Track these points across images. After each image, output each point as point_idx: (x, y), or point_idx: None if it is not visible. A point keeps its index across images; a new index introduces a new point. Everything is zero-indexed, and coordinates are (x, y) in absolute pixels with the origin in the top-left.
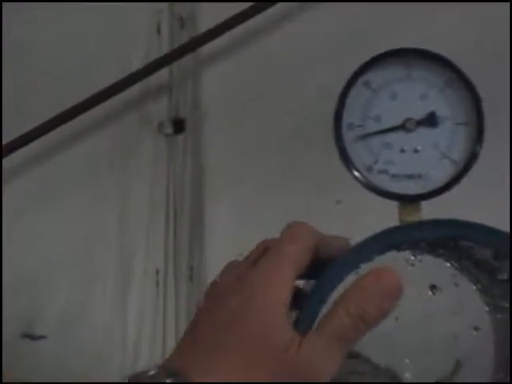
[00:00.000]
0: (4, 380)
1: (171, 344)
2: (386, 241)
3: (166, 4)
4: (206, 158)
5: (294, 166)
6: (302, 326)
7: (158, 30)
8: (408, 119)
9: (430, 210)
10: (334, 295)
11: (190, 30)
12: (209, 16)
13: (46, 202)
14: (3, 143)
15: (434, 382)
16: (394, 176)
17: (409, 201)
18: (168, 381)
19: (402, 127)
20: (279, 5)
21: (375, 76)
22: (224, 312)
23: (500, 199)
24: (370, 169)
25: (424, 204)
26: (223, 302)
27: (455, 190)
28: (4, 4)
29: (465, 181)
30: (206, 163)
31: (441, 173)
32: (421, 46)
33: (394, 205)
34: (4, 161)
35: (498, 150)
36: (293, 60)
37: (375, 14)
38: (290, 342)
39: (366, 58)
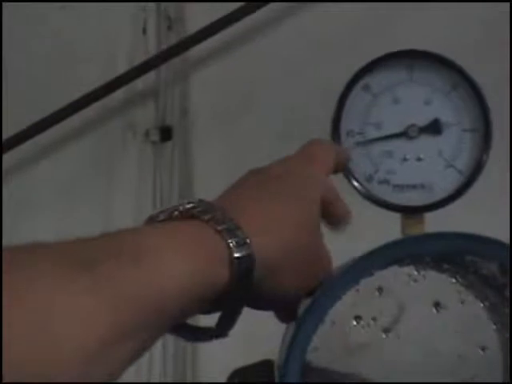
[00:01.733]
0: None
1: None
2: (387, 255)
3: (152, 3)
4: (194, 166)
5: None
6: (297, 348)
7: (144, 31)
8: (411, 126)
9: (434, 223)
10: (332, 314)
11: (178, 31)
12: (198, 16)
13: (27, 210)
14: None
15: None
16: (395, 186)
17: (411, 213)
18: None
19: (404, 134)
20: (272, 5)
21: (375, 79)
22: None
23: (506, 210)
24: (370, 178)
25: (428, 216)
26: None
27: (461, 201)
28: None
29: (471, 191)
30: (195, 172)
31: (445, 183)
32: (422, 47)
33: (395, 217)
34: None
35: (503, 156)
36: (287, 62)
37: (372, 15)
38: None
39: (365, 60)
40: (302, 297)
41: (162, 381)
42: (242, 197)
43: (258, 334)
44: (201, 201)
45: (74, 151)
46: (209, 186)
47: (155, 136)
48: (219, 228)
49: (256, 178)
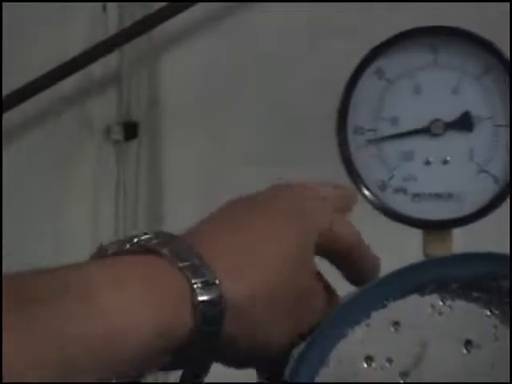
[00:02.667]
0: None
1: None
2: (405, 282)
3: None
4: (164, 170)
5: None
6: None
7: (104, 7)
8: (435, 121)
9: (462, 241)
10: (338, 354)
11: (144, 5)
12: None
13: None
14: None
15: None
16: (415, 196)
17: (435, 229)
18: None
19: (426, 131)
20: None
21: (391, 62)
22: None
23: None
24: (383, 186)
25: (455, 233)
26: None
27: (495, 215)
28: None
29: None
30: (165, 177)
31: (477, 192)
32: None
33: (416, 234)
34: None
35: None
36: (278, 42)
37: None
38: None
39: (374, 42)
40: (291, 348)
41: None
42: (215, 228)
43: None
44: (159, 232)
45: (18, 151)
46: (181, 193)
47: (118, 134)
48: (181, 265)
49: (237, 206)
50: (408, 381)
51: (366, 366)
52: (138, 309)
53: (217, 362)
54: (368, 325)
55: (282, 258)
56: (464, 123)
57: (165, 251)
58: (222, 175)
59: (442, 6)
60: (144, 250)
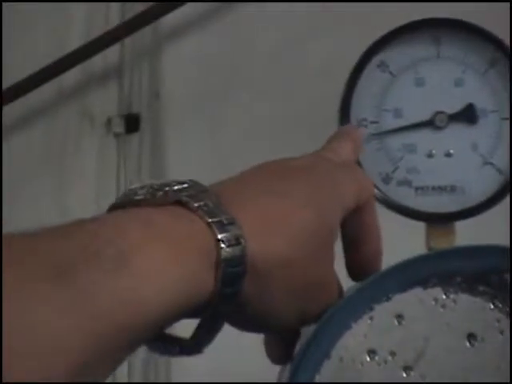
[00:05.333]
0: None
1: None
2: (408, 275)
3: None
4: (166, 164)
5: None
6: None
7: None
8: (438, 113)
9: (466, 233)
10: (340, 348)
11: None
12: None
13: None
14: None
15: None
16: (418, 189)
17: (439, 221)
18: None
19: (429, 123)
20: None
21: (394, 55)
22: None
23: None
24: (387, 179)
25: (459, 225)
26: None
27: (500, 207)
28: None
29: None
30: (167, 171)
31: (481, 184)
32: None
33: (419, 227)
34: None
35: None
36: (282, 34)
37: None
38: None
39: (380, 32)
40: (300, 327)
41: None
42: (248, 187)
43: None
44: (193, 182)
45: (18, 143)
46: None
47: (119, 126)
48: (210, 220)
49: (271, 169)
50: (411, 374)
51: (368, 359)
52: (167, 272)
53: (230, 324)
54: (371, 318)
55: (313, 231)
56: (467, 115)
57: (196, 205)
58: (224, 168)
59: None
60: (175, 200)
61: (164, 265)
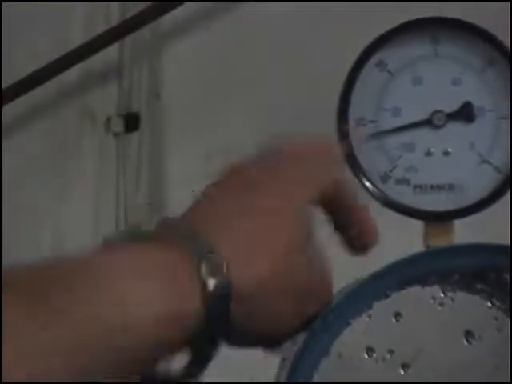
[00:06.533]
0: None
1: None
2: (406, 273)
3: None
4: (166, 164)
5: None
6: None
7: None
8: (436, 112)
9: (464, 232)
10: (338, 345)
11: None
12: None
13: None
14: None
15: None
16: (417, 187)
17: (437, 220)
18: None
19: (427, 122)
20: None
21: (392, 54)
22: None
23: None
24: (385, 177)
25: (457, 224)
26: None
27: (497, 205)
28: None
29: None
30: (167, 171)
31: (479, 182)
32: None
33: (417, 225)
34: None
35: None
36: (283, 34)
37: None
38: None
39: (378, 31)
40: (296, 329)
41: None
42: (220, 209)
43: None
44: (164, 219)
45: (17, 143)
46: (183, 188)
47: (118, 125)
48: (188, 250)
49: (236, 184)
50: (409, 372)
51: (367, 356)
52: (153, 298)
53: (226, 344)
54: (370, 316)
55: (284, 246)
56: (465, 114)
57: (171, 238)
58: (224, 168)
59: None
60: (153, 238)
61: (152, 291)
